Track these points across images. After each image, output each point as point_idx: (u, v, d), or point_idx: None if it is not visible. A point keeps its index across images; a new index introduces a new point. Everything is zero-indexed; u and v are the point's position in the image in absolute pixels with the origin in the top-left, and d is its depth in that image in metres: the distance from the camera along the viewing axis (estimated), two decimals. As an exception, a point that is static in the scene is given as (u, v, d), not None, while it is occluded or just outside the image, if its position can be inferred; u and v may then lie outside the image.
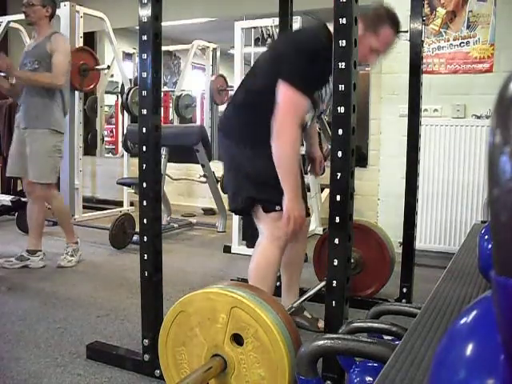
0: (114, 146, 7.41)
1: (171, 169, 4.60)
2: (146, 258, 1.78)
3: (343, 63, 1.48)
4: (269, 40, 4.35)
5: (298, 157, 1.85)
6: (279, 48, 1.96)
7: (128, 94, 4.94)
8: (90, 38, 6.23)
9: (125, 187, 5.08)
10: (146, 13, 1.69)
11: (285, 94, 1.78)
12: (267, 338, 1.30)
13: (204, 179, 4.24)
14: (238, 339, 1.37)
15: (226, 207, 2.53)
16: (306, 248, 2.39)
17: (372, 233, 2.54)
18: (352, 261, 1.79)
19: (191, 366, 1.45)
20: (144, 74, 1.73)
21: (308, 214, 2.16)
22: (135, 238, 3.84)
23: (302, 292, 2.42)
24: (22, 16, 3.37)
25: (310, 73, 1.79)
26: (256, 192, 1.93)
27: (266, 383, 1.31)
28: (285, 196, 1.84)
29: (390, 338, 1.14)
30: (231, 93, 6.12)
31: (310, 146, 2.40)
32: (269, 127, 1.82)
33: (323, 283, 2.20)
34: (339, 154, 1.50)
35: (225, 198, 3.05)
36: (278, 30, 2.95)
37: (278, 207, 1.90)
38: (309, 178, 4.19)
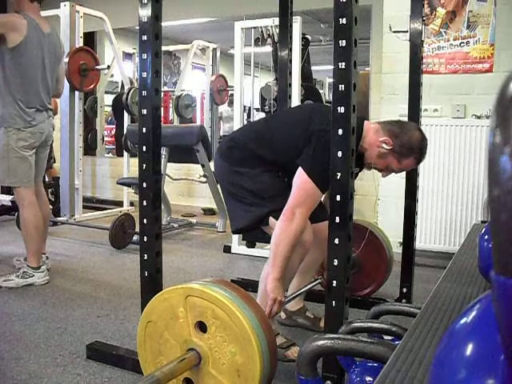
0: (113, 146, 7.41)
1: (171, 169, 4.61)
2: (145, 257, 1.78)
3: (343, 63, 1.48)
4: (269, 40, 4.35)
5: (295, 247, 1.83)
6: (307, 127, 1.88)
7: (128, 94, 4.94)
8: (90, 38, 6.23)
9: (125, 187, 5.08)
10: (146, 13, 1.69)
11: (303, 185, 1.80)
12: (224, 314, 1.33)
13: (204, 179, 4.24)
14: (202, 327, 1.38)
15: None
16: (323, 255, 2.30)
17: (369, 233, 2.53)
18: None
19: None
20: (144, 74, 1.73)
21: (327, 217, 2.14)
22: (135, 237, 3.84)
23: (306, 294, 2.42)
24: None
25: (329, 170, 1.80)
26: (266, 205, 1.95)
27: (239, 358, 1.32)
28: (271, 276, 1.81)
29: (389, 337, 1.14)
30: (231, 93, 6.13)
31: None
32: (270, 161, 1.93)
33: (318, 280, 2.19)
34: (339, 154, 1.50)
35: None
36: (278, 30, 2.96)
37: None
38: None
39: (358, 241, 2.45)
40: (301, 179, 1.81)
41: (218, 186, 4.26)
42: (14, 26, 2.78)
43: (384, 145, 1.93)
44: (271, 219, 1.94)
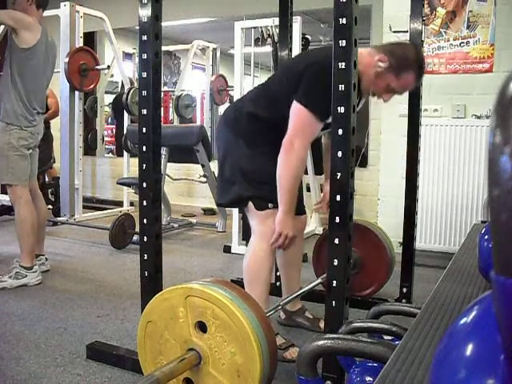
0: (113, 147, 7.41)
1: (171, 169, 4.61)
2: (146, 258, 1.78)
3: (343, 63, 1.48)
4: (269, 40, 4.35)
5: (300, 177, 1.87)
6: (299, 66, 1.90)
7: (128, 94, 4.94)
8: (90, 38, 6.23)
9: (125, 187, 5.08)
10: (146, 13, 1.70)
11: (299, 115, 1.79)
12: (224, 314, 1.32)
13: (204, 179, 4.24)
14: (202, 327, 1.38)
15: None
16: (302, 247, 2.36)
17: (370, 232, 2.53)
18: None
19: None
20: (144, 74, 1.73)
21: (304, 212, 2.17)
22: (135, 237, 3.84)
23: (306, 294, 2.42)
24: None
25: (326, 99, 1.77)
26: (250, 189, 1.95)
27: (238, 358, 1.32)
28: (279, 209, 1.84)
29: (389, 337, 1.14)
30: (231, 93, 6.13)
31: (326, 163, 2.26)
32: (272, 133, 1.87)
33: (318, 280, 2.19)
34: (339, 154, 1.50)
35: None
36: (278, 30, 2.96)
37: (270, 205, 1.91)
38: (309, 178, 4.19)
39: (358, 241, 2.45)
40: (296, 110, 1.80)
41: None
42: (29, 26, 2.82)
43: (380, 63, 1.89)
44: (250, 204, 1.95)
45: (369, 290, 2.54)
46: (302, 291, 2.15)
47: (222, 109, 7.40)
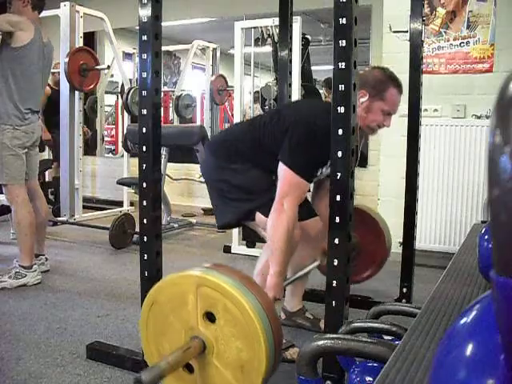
0: (114, 146, 7.41)
1: (171, 169, 4.60)
2: (145, 257, 1.78)
3: (343, 63, 1.48)
4: (269, 40, 4.35)
5: (291, 237, 1.85)
6: (287, 119, 1.93)
7: (128, 94, 4.94)
8: (90, 38, 6.23)
9: (125, 187, 5.08)
10: (146, 13, 1.69)
11: (285, 177, 1.84)
12: (236, 309, 1.30)
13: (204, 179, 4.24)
14: (210, 317, 1.36)
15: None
16: (315, 252, 2.22)
17: (368, 216, 2.50)
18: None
19: None
20: (144, 74, 1.73)
21: (315, 214, 2.15)
22: (135, 237, 3.83)
23: (306, 295, 2.42)
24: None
25: (309, 162, 1.85)
26: (253, 201, 1.96)
27: (244, 355, 1.31)
28: (271, 271, 1.83)
29: (389, 337, 1.14)
30: (231, 93, 6.13)
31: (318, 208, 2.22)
32: (259, 151, 1.96)
33: (315, 264, 2.16)
34: (339, 154, 1.50)
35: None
36: (278, 30, 2.95)
37: None
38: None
39: (357, 224, 2.40)
40: (282, 171, 1.85)
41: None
42: (25, 26, 2.82)
43: (362, 99, 1.94)
44: (258, 214, 1.95)
45: (366, 273, 2.50)
46: (299, 274, 2.11)
47: (222, 109, 7.43)
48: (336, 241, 1.53)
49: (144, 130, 1.75)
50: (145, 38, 1.71)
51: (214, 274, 1.37)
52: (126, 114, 5.37)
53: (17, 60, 2.83)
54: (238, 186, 1.98)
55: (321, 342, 0.93)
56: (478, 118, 3.27)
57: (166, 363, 1.26)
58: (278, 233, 1.80)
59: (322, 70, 8.89)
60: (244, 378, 1.32)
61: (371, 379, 1.09)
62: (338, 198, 1.51)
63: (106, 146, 6.96)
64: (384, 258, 2.54)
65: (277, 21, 2.75)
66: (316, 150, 1.80)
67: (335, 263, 1.53)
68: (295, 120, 1.89)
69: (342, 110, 1.49)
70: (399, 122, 3.16)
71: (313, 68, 5.41)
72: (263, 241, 2.10)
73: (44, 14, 3.07)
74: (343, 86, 1.48)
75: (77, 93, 4.53)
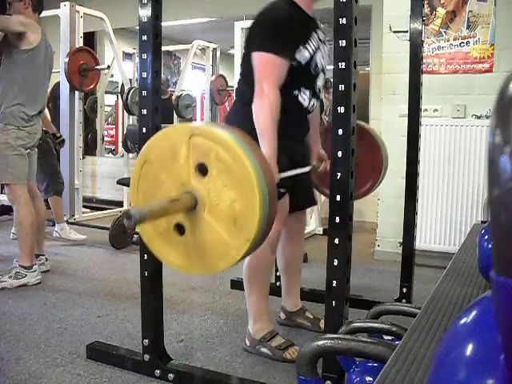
0: (114, 146, 7.41)
1: (171, 169, 4.59)
2: (145, 257, 1.78)
3: (343, 63, 1.48)
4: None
5: (276, 118, 1.84)
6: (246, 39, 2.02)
7: (128, 94, 4.94)
8: (90, 38, 6.23)
9: (125, 187, 5.08)
10: (146, 13, 1.70)
11: (259, 61, 1.85)
12: (228, 156, 1.25)
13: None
14: (203, 171, 1.31)
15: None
16: (303, 249, 2.36)
17: (364, 131, 2.38)
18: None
19: None
20: (144, 74, 1.73)
21: (315, 203, 2.13)
22: (135, 237, 3.83)
23: (303, 293, 2.42)
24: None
25: (276, 35, 1.86)
26: None
27: (238, 204, 1.25)
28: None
29: (390, 338, 1.14)
30: (231, 93, 6.12)
31: (314, 137, 2.24)
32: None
33: (311, 167, 2.11)
34: (339, 154, 1.50)
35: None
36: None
37: None
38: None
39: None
40: (256, 59, 1.85)
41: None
42: (34, 28, 2.85)
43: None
44: None
45: (365, 187, 2.42)
46: (295, 172, 1.97)
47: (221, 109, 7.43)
48: (336, 241, 1.53)
49: (144, 129, 1.75)
50: (145, 37, 1.71)
51: (205, 124, 1.36)
52: (126, 113, 5.37)
53: (25, 62, 2.84)
54: None
55: (321, 342, 0.93)
56: (478, 117, 3.27)
57: (148, 207, 1.24)
58: (262, 115, 1.80)
59: (322, 70, 8.88)
60: (237, 232, 1.26)
61: (371, 379, 1.09)
62: (338, 197, 1.51)
63: (106, 146, 6.96)
64: (382, 171, 2.44)
65: (277, 21, 2.74)
66: (281, 28, 1.86)
67: (335, 263, 1.53)
68: (255, 21, 2.00)
69: (342, 110, 1.49)
70: (399, 122, 3.16)
71: (313, 68, 5.40)
72: None
73: (44, 14, 3.07)
74: (343, 86, 1.48)
75: (77, 93, 4.53)
